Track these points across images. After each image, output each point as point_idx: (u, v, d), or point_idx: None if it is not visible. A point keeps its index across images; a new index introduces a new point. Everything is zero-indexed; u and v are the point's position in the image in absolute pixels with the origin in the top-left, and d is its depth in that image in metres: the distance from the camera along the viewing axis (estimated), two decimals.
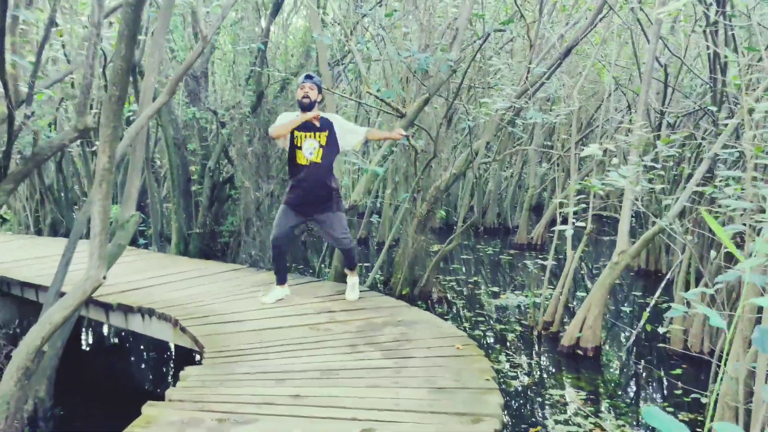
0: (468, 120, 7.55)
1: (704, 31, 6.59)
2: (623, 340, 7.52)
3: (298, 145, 5.37)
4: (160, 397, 3.49)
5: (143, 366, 6.98)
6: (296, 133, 5.35)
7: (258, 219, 8.85)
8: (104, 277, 3.19)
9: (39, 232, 10.75)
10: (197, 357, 5.85)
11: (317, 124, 5.36)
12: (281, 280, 5.66)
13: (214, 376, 3.79)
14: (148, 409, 3.30)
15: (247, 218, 8.84)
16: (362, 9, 8.37)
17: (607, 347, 7.20)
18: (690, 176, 6.55)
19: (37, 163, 3.78)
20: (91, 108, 9.75)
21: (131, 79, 8.20)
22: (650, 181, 5.80)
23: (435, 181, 8.62)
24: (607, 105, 9.71)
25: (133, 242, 9.65)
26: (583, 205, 6.33)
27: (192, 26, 9.05)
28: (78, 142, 10.34)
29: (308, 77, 5.37)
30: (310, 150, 5.34)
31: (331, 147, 5.41)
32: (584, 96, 12.71)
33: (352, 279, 5.76)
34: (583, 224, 6.20)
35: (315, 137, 5.36)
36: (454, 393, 3.57)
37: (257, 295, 5.69)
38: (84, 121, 3.57)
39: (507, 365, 6.51)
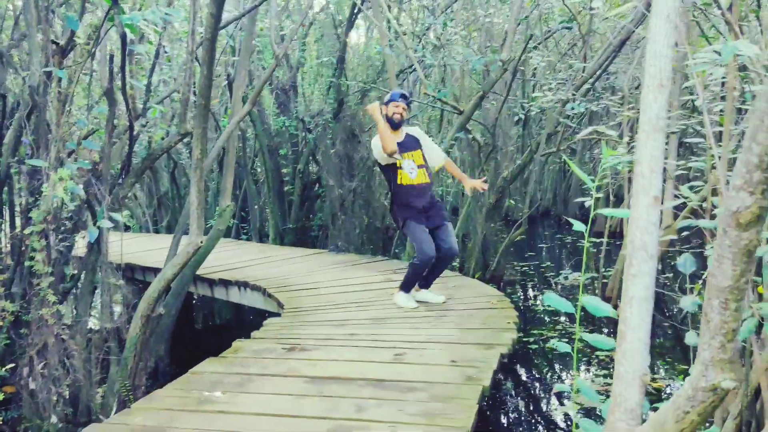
0: (521, 114, 8.27)
1: None
2: (675, 310, 8.02)
3: (398, 165, 5.14)
4: None
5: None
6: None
7: (342, 213, 9.89)
8: (201, 242, 4.23)
9: (156, 233, 12.27)
10: None
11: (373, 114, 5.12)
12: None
13: (289, 323, 4.81)
14: (237, 342, 4.33)
15: (333, 213, 9.89)
16: (429, 20, 9.25)
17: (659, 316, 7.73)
18: None
19: (152, 160, 4.92)
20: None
21: (229, 94, 9.46)
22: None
23: (501, 172, 9.37)
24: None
25: (237, 237, 10.95)
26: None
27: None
28: (188, 154, 11.79)
29: (403, 96, 5.19)
30: (410, 169, 5.13)
31: (426, 164, 5.25)
32: None
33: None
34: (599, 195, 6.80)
35: (411, 157, 5.17)
36: (477, 331, 4.40)
37: (335, 269, 6.71)
38: (185, 126, 4.65)
39: (562, 333, 7.19)
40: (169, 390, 3.53)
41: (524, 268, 10.75)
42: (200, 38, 4.87)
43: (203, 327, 8.96)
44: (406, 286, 5.26)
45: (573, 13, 8.46)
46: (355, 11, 9.18)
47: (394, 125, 5.16)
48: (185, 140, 5.70)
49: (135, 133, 4.67)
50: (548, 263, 11.27)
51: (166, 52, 6.09)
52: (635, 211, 1.90)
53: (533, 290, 9.24)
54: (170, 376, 6.24)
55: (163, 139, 9.27)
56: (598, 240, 12.86)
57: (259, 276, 6.53)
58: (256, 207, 11.03)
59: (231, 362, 3.95)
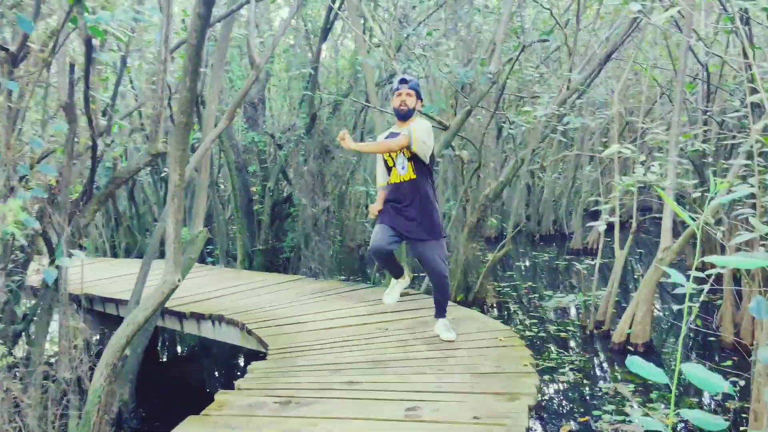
0: (510, 129, 7.85)
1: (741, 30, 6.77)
2: (673, 335, 7.65)
3: (391, 165, 4.76)
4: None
5: (214, 371, 7.51)
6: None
7: (316, 234, 9.32)
8: (179, 280, 3.65)
9: (114, 256, 11.51)
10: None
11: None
12: (396, 275, 5.20)
13: (277, 369, 4.23)
14: (221, 396, 3.75)
15: (305, 234, 9.32)
16: (406, 30, 8.79)
17: (657, 343, 7.34)
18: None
19: (117, 185, 4.31)
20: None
21: (194, 109, 8.83)
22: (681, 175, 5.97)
23: (483, 190, 8.94)
24: (647, 108, 9.82)
25: (202, 261, 10.28)
26: (619, 203, 6.54)
27: (248, 56, 9.65)
28: (148, 171, 11.08)
29: (403, 81, 4.63)
30: (400, 168, 4.69)
31: (417, 158, 4.67)
32: (634, 101, 12.82)
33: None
34: (613, 220, 6.45)
35: (401, 152, 4.66)
36: (494, 377, 3.90)
37: (315, 300, 6.14)
38: (155, 146, 4.07)
39: (558, 362, 6.74)
40: None
41: (504, 289, 10.32)
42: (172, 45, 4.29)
43: (168, 359, 8.27)
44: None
45: (558, 22, 8.10)
46: (331, 19, 8.67)
47: (399, 116, 4.67)
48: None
49: (98, 153, 4.06)
50: (528, 283, 10.86)
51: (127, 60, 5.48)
52: None
53: (519, 313, 8.79)
54: (136, 423, 5.60)
55: (121, 156, 8.61)
56: (584, 258, 12.61)
57: (234, 308, 5.93)
58: (222, 227, 10.37)
59: (215, 423, 3.37)
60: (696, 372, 1.91)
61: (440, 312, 4.87)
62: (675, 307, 8.15)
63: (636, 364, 2.04)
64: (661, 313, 8.46)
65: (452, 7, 8.56)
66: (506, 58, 8.16)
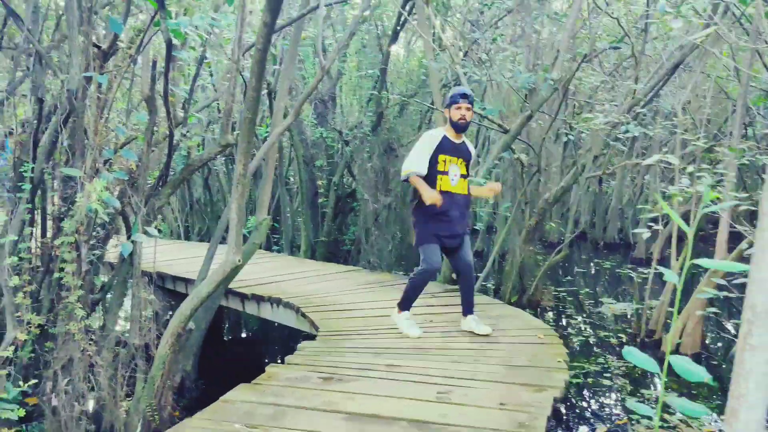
0: (570, 135, 7.97)
1: None
2: (726, 348, 7.61)
3: (443, 170, 4.81)
4: None
5: (272, 352, 7.94)
6: (441, 156, 4.79)
7: (376, 229, 9.64)
8: (239, 261, 4.01)
9: (188, 239, 12.15)
10: None
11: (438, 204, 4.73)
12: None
13: (325, 348, 4.56)
14: (271, 368, 4.10)
15: (366, 228, 9.66)
16: (474, 35, 9.00)
17: (708, 355, 7.33)
18: None
19: (189, 172, 4.73)
20: (233, 128, 10.98)
21: (268, 103, 9.30)
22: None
23: (543, 193, 9.05)
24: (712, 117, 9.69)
25: (268, 248, 10.76)
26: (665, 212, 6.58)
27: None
28: (222, 161, 11.65)
29: (464, 95, 4.79)
30: (453, 175, 4.83)
31: (468, 176, 5.02)
32: (710, 112, 12.61)
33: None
34: (658, 228, 6.52)
35: (458, 162, 4.88)
36: (526, 370, 4.11)
37: (369, 290, 6.45)
38: (227, 138, 4.45)
39: (605, 366, 6.84)
40: (199, 420, 3.29)
41: (561, 294, 10.40)
42: (246, 46, 4.67)
43: (231, 339, 8.76)
44: (405, 303, 5.00)
45: (626, 32, 8.15)
46: (401, 22, 8.96)
47: (459, 129, 4.86)
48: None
49: (174, 142, 4.47)
50: (586, 290, 10.90)
51: (206, 59, 5.92)
52: (758, 270, 1.63)
53: (572, 318, 8.89)
54: (197, 393, 6.05)
55: (198, 146, 9.15)
56: (642, 268, 12.51)
57: (292, 292, 6.30)
58: (289, 218, 10.83)
59: (264, 391, 3.72)
60: (681, 363, 2.11)
61: (471, 309, 5.07)
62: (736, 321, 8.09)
63: (630, 354, 2.25)
64: (719, 326, 8.41)
65: (521, 13, 8.71)
66: (576, 64, 8.26)
